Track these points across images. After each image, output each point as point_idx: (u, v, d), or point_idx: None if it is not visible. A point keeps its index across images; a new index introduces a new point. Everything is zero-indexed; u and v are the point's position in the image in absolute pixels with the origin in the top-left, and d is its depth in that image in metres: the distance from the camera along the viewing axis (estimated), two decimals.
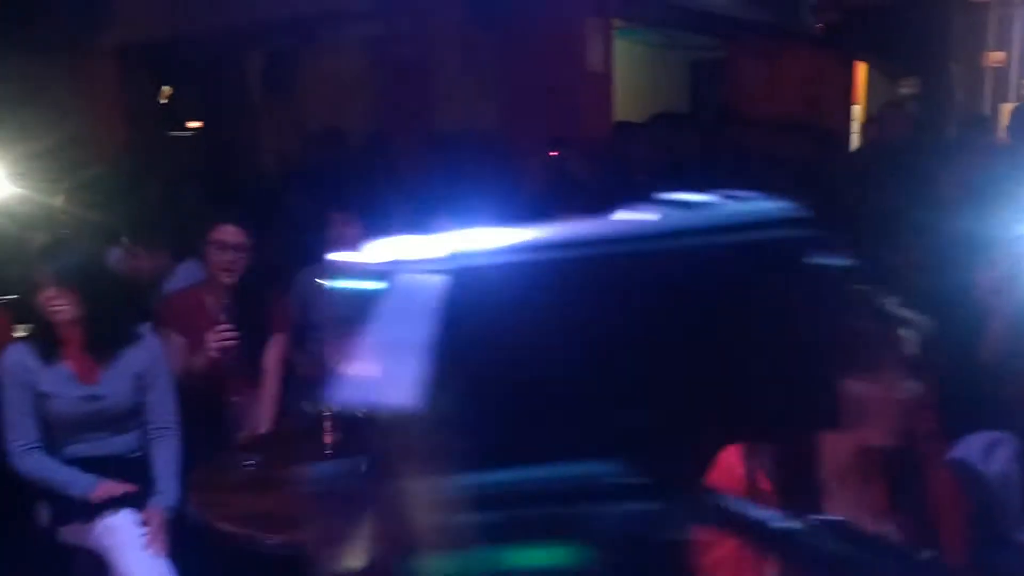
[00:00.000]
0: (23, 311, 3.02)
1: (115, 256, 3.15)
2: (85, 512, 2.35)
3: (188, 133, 5.91)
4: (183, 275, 3.19)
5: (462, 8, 5.14)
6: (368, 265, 0.51)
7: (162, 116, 5.85)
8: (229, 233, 2.86)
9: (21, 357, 2.40)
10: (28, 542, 2.55)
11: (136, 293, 2.92)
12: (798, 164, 4.64)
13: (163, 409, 2.55)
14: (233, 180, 5.05)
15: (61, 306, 2.35)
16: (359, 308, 0.49)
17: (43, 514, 2.47)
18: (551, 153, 4.70)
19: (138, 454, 2.56)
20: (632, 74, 6.87)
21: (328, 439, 2.06)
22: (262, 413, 2.81)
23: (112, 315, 2.44)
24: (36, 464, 2.41)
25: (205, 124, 5.97)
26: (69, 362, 2.44)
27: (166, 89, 5.84)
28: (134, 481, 2.43)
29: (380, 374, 0.48)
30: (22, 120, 4.67)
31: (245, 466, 2.25)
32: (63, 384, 2.43)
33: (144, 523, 2.33)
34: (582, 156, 4.65)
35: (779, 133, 5.56)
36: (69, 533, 2.41)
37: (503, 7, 5.00)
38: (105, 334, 2.43)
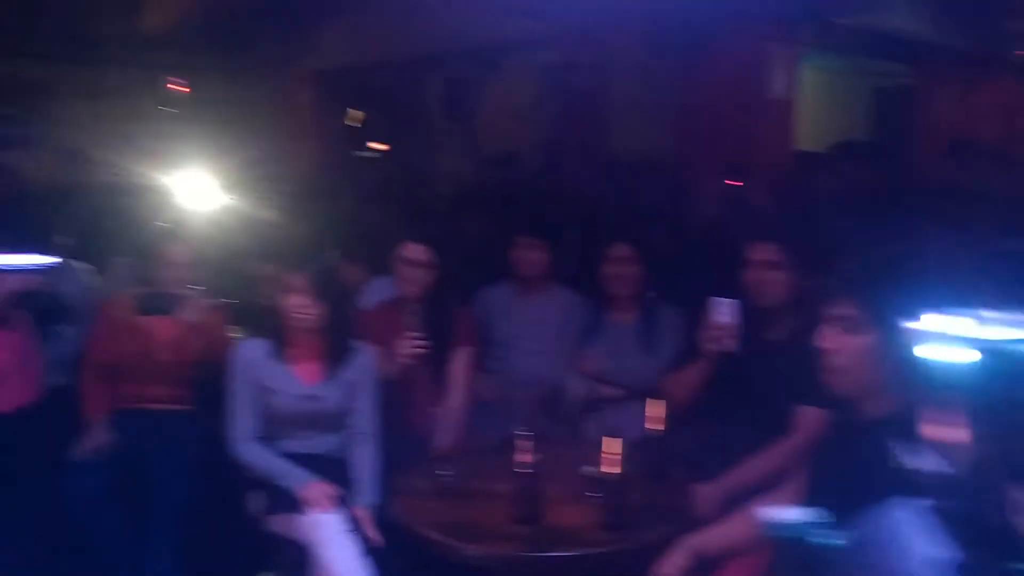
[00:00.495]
0: (238, 313, 3.32)
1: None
2: (294, 504, 2.52)
3: (373, 154, 6.29)
4: (377, 290, 3.37)
5: (640, 34, 5.16)
6: (964, 337, 0.52)
7: (350, 137, 6.26)
8: (416, 251, 3.00)
9: (252, 353, 2.63)
10: (237, 527, 2.76)
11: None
12: (1001, 200, 4.29)
13: (367, 416, 2.71)
14: (415, 200, 5.31)
15: (308, 313, 2.56)
16: (955, 377, 0.50)
17: (254, 502, 2.67)
18: (729, 183, 4.60)
19: (340, 455, 2.73)
20: (812, 101, 6.61)
21: (527, 460, 2.10)
22: (449, 425, 2.91)
23: (346, 326, 2.64)
24: (254, 453, 2.62)
25: (389, 146, 6.34)
26: (295, 363, 2.64)
27: (356, 112, 6.25)
28: (336, 480, 2.59)
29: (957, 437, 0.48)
30: (232, 137, 5.11)
31: (440, 476, 2.33)
32: (286, 382, 2.63)
33: (348, 522, 2.47)
34: (762, 186, 4.52)
35: (978, 165, 5.16)
36: (277, 522, 2.59)
37: (683, 33, 4.97)
38: (338, 344, 2.62)
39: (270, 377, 2.63)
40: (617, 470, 2.07)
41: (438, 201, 5.52)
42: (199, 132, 4.53)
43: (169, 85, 4.91)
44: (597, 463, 2.16)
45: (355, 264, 3.54)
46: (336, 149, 6.00)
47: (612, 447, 2.06)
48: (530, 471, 2.08)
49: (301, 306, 2.59)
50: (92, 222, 3.79)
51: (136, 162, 4.15)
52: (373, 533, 2.43)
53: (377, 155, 6.24)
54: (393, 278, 3.12)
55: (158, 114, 5.10)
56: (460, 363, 3.04)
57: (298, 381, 2.65)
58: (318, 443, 2.71)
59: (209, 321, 3.10)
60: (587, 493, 2.17)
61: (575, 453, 2.30)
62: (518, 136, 5.86)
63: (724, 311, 2.49)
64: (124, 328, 3.06)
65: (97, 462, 2.95)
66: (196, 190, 3.75)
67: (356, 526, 2.47)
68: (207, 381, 3.18)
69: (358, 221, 4.57)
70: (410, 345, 2.83)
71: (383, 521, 2.47)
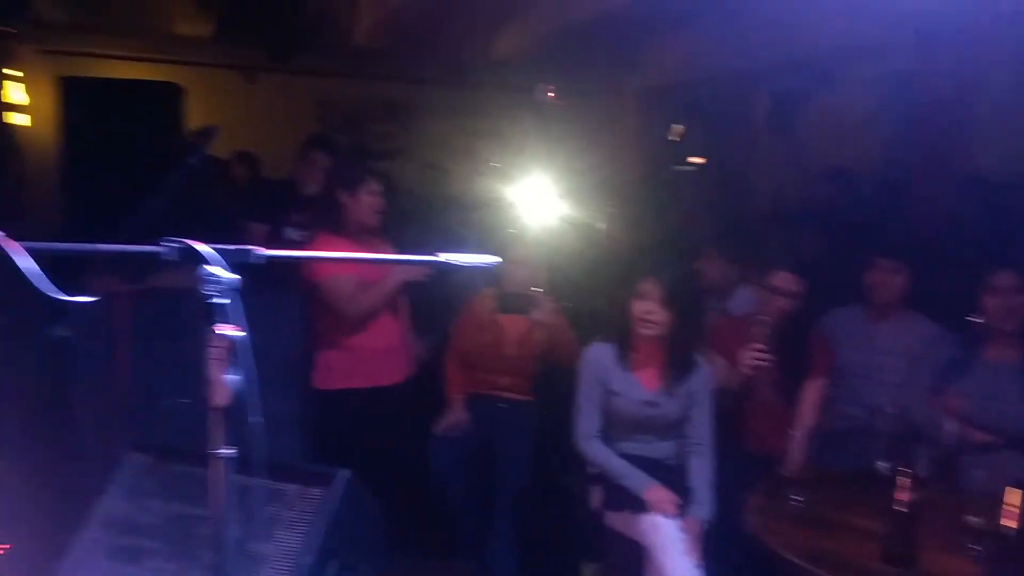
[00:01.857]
0: (577, 317, 3.52)
1: None
2: (634, 505, 2.61)
3: (691, 168, 6.31)
4: (741, 299, 3.36)
5: (1017, 40, 4.54)
6: None
7: (671, 152, 6.34)
8: (786, 280, 2.93)
9: (600, 356, 2.77)
10: (577, 519, 2.93)
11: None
12: None
13: (703, 426, 2.72)
14: (735, 216, 5.22)
15: (656, 321, 2.65)
16: None
17: (594, 497, 2.81)
18: None
19: (673, 462, 2.77)
20: None
21: (905, 497, 1.95)
22: (798, 449, 2.81)
23: (692, 337, 2.69)
24: (597, 451, 2.76)
25: (708, 160, 6.31)
26: (638, 368, 2.74)
27: (677, 127, 6.31)
28: (670, 486, 2.63)
29: None
30: (569, 151, 5.36)
31: (794, 501, 2.26)
32: (629, 387, 2.74)
33: (684, 530, 2.50)
34: None
35: None
36: (615, 519, 2.70)
37: None
38: (682, 354, 2.68)
39: (614, 380, 2.75)
40: (1014, 525, 1.85)
41: (760, 216, 5.36)
42: (542, 147, 4.87)
43: (539, 93, 5.33)
44: (982, 513, 1.95)
45: (729, 263, 3.53)
46: (656, 164, 6.10)
47: (1013, 499, 1.84)
48: (906, 510, 1.93)
49: (649, 312, 2.66)
50: (455, 228, 4.25)
51: (487, 175, 4.58)
52: (702, 544, 2.43)
53: (696, 168, 6.25)
54: (757, 291, 3.11)
55: (507, 131, 5.59)
56: (811, 394, 2.93)
57: (640, 386, 2.74)
58: (655, 448, 2.78)
59: (553, 321, 3.33)
60: (970, 545, 1.97)
61: (951, 498, 2.10)
62: (851, 150, 5.48)
63: None
64: (482, 323, 3.40)
65: (453, 438, 3.33)
66: (539, 200, 4.04)
67: (693, 535, 2.48)
68: (549, 376, 3.43)
69: (683, 237, 4.61)
70: (753, 357, 2.78)
71: (719, 534, 2.46)
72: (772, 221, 5.23)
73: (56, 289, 1.23)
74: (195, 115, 4.68)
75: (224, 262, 1.34)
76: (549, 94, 4.78)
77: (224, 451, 1.41)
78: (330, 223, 3.06)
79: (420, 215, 4.11)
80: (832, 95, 6.11)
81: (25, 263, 1.20)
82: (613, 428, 2.79)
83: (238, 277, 1.35)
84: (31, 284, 1.23)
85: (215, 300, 1.33)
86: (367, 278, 3.08)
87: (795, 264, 2.95)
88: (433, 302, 3.39)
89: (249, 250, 1.37)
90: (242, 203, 4.09)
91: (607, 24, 5.68)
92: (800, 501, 2.26)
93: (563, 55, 5.65)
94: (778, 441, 2.73)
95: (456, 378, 3.45)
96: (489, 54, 5.74)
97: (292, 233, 3.73)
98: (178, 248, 1.32)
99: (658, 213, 4.68)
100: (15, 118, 4.46)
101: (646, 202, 4.86)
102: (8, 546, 2.81)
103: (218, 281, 1.32)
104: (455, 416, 3.37)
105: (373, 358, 3.17)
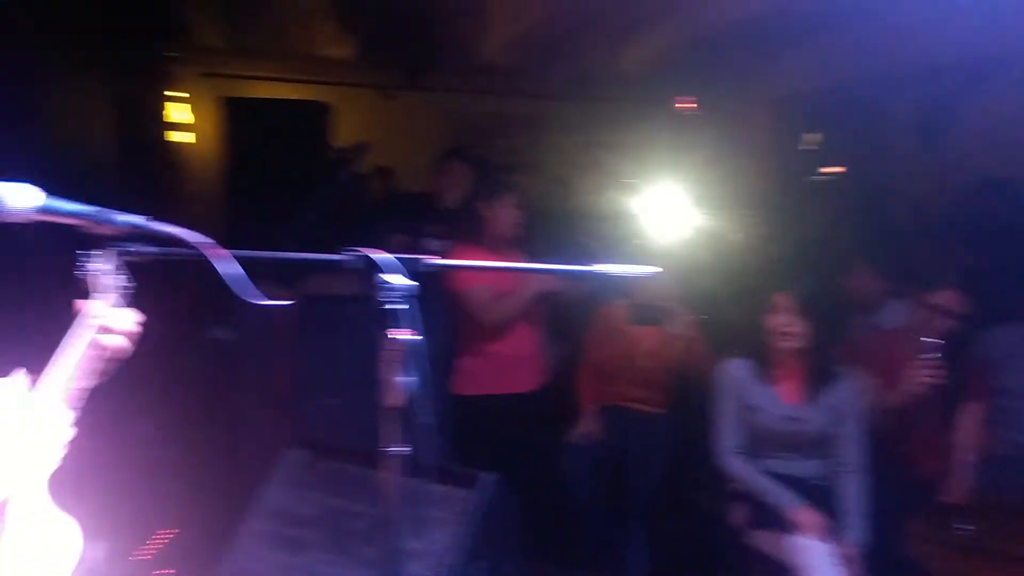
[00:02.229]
0: (712, 330, 3.46)
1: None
2: (779, 524, 2.54)
3: (828, 178, 6.08)
4: (891, 313, 3.22)
5: None
6: None
7: (806, 161, 6.12)
8: (947, 299, 2.79)
9: (738, 371, 2.72)
10: (718, 536, 2.87)
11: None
12: None
13: (853, 446, 2.62)
14: (880, 227, 4.98)
15: (793, 334, 2.58)
16: None
17: (737, 514, 2.75)
18: None
19: (821, 482, 2.67)
20: None
21: None
22: (962, 475, 2.65)
23: (832, 350, 2.60)
24: (739, 468, 2.70)
25: (846, 170, 6.06)
26: (778, 382, 2.67)
27: (812, 136, 6.09)
28: (817, 507, 2.54)
29: None
30: (700, 161, 5.28)
31: (959, 530, 2.13)
32: (769, 401, 2.67)
33: (836, 553, 2.40)
34: None
35: None
36: (759, 538, 2.63)
37: None
38: (822, 366, 2.60)
39: (754, 395, 2.69)
40: None
41: (907, 228, 5.09)
42: (673, 158, 4.84)
43: (678, 105, 5.34)
44: None
45: (876, 276, 3.40)
46: (788, 174, 5.91)
47: None
48: None
49: (785, 326, 2.59)
50: (584, 241, 4.27)
51: (616, 187, 4.58)
52: (855, 568, 2.32)
53: (835, 178, 6.00)
54: (908, 305, 2.97)
55: (635, 143, 5.58)
56: (970, 420, 2.76)
57: (781, 401, 2.67)
58: (800, 466, 2.69)
59: (687, 334, 3.29)
60: None
61: None
62: (1006, 159, 5.11)
63: None
64: (615, 334, 3.40)
65: (585, 447, 3.34)
66: (672, 212, 4.00)
67: (846, 560, 2.39)
68: (682, 389, 3.39)
69: (813, 249, 4.44)
70: (923, 375, 2.64)
71: (875, 560, 2.35)
72: (922, 233, 4.95)
73: (258, 293, 1.34)
74: (338, 132, 4.94)
75: (400, 269, 1.43)
76: (688, 106, 4.74)
77: (397, 450, 1.47)
78: (470, 234, 3.16)
79: (548, 228, 4.16)
80: (982, 100, 5.74)
81: (230, 268, 1.32)
82: (755, 444, 2.73)
83: (415, 284, 1.43)
84: (227, 289, 1.34)
85: (391, 306, 1.42)
86: (503, 288, 3.16)
87: (955, 280, 2.80)
88: (566, 312, 3.42)
89: (420, 259, 1.45)
90: (381, 214, 4.27)
91: (739, 33, 5.57)
92: (967, 530, 2.13)
93: (693, 65, 5.57)
94: (939, 465, 2.59)
95: (588, 388, 3.47)
96: (617, 66, 5.74)
97: (431, 244, 3.87)
98: (358, 256, 1.41)
99: (793, 224, 4.53)
100: (179, 136, 4.86)
101: (781, 213, 4.72)
102: (176, 531, 3.05)
103: (394, 288, 1.39)
104: (587, 426, 3.38)
105: (509, 365, 3.24)
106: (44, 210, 1.21)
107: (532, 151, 5.99)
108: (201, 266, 1.35)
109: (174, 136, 4.76)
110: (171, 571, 2.92)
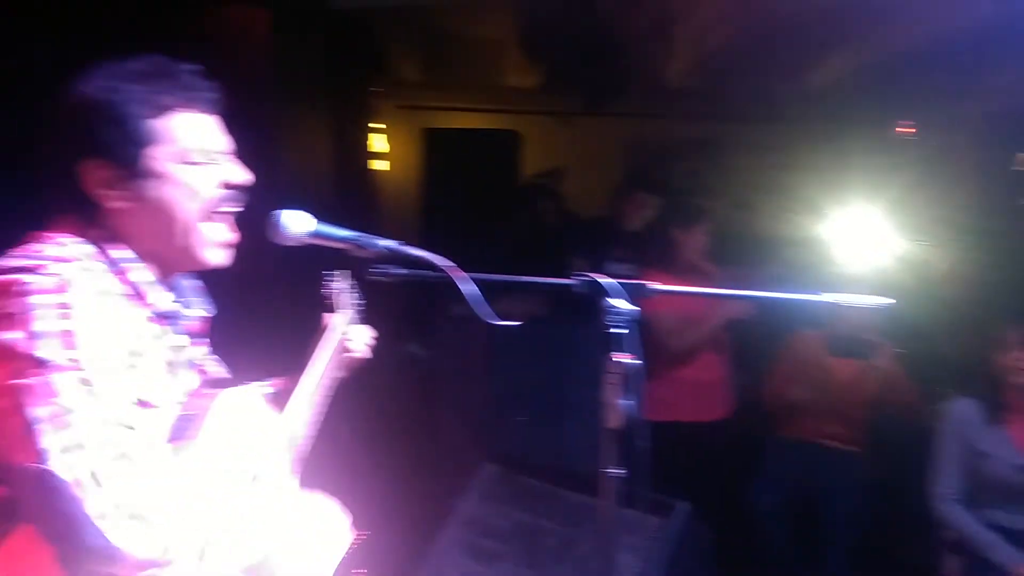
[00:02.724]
0: (915, 363, 3.23)
1: None
2: None
3: None
4: None
5: None
6: None
7: (1017, 183, 5.59)
8: None
9: (965, 412, 2.52)
10: None
11: None
12: None
13: None
14: None
15: None
16: None
17: (952, 566, 2.54)
18: None
19: None
20: None
21: None
22: None
23: None
24: (959, 517, 2.49)
25: None
26: (1012, 426, 2.45)
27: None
28: None
29: None
30: (901, 185, 4.93)
31: None
32: (1001, 447, 2.45)
33: None
34: None
35: None
36: None
37: None
38: None
39: (983, 440, 2.47)
40: None
41: None
42: (869, 180, 4.58)
43: (897, 130, 5.09)
44: None
45: None
46: (1003, 195, 5.40)
47: None
48: None
49: (1020, 361, 2.37)
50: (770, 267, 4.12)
51: (799, 211, 4.38)
52: None
53: None
54: None
55: (825, 164, 5.33)
56: None
57: (1014, 447, 2.44)
58: None
59: (888, 367, 3.09)
60: None
61: None
62: None
63: None
64: (808, 364, 3.25)
65: (775, 482, 3.21)
66: (868, 238, 3.78)
67: None
68: (882, 427, 3.18)
69: None
70: None
71: None
72: None
73: (492, 314, 1.42)
74: (523, 159, 5.11)
75: (625, 294, 1.46)
76: (906, 130, 4.48)
77: (614, 472, 1.50)
78: (661, 260, 3.16)
79: (733, 253, 4.05)
80: None
81: (469, 288, 1.41)
82: (980, 493, 2.50)
83: (638, 309, 1.45)
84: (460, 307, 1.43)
85: (615, 330, 1.45)
86: (691, 314, 3.12)
87: None
88: (755, 340, 3.32)
89: (644, 285, 1.48)
90: (563, 239, 4.35)
91: (943, 47, 5.20)
92: None
93: (891, 83, 5.25)
94: None
95: (778, 419, 3.33)
96: (805, 86, 5.52)
97: (615, 268, 3.90)
98: (586, 280, 1.45)
99: (1012, 251, 4.13)
100: (379, 164, 5.22)
101: (996, 239, 4.31)
102: (366, 534, 3.25)
103: (619, 312, 1.42)
104: (776, 459, 3.26)
105: (694, 392, 3.19)
106: (315, 234, 1.36)
107: (713, 175, 5.87)
108: (401, 286, 1.44)
109: (373, 164, 5.12)
110: (363, 571, 3.10)
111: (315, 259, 1.52)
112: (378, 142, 5.22)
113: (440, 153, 4.83)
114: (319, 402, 1.59)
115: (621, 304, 1.42)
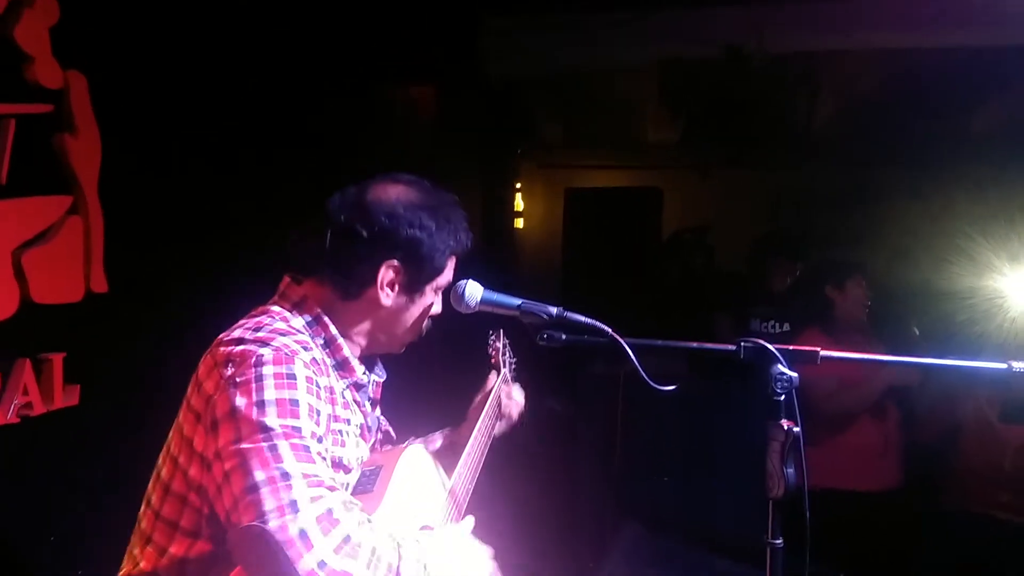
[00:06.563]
0: None
1: None
2: None
3: None
4: None
5: None
6: None
7: None
8: None
9: None
10: None
11: None
12: None
13: None
14: None
15: None
16: None
17: None
18: None
19: None
20: None
21: None
22: None
23: None
24: None
25: None
26: None
27: None
28: None
29: None
30: None
31: None
32: None
33: None
34: None
35: None
36: None
37: None
38: None
39: None
40: None
41: None
42: None
43: None
44: None
45: None
46: None
47: None
48: None
49: None
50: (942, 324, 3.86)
51: (968, 262, 4.10)
52: None
53: None
54: None
55: (984, 211, 4.98)
56: None
57: None
58: None
59: None
60: None
61: None
62: None
63: None
64: (982, 431, 3.03)
65: (947, 561, 2.97)
66: None
67: None
68: None
69: None
70: None
71: None
72: None
73: (650, 380, 1.45)
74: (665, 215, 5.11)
75: (789, 361, 1.45)
76: None
77: (776, 542, 1.47)
78: (817, 318, 3.06)
79: (894, 308, 3.84)
80: None
81: (632, 354, 1.45)
82: None
83: (796, 375, 1.44)
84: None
85: (779, 397, 1.44)
86: (849, 378, 2.98)
87: None
88: (921, 406, 3.12)
89: (816, 352, 1.46)
90: (709, 294, 4.30)
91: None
92: None
93: None
94: None
95: (946, 489, 3.10)
96: (961, 129, 5.21)
97: (759, 325, 3.80)
98: (751, 348, 1.45)
99: None
100: (521, 223, 5.40)
101: None
102: None
103: (787, 380, 1.41)
104: (943, 531, 3.02)
105: (853, 460, 3.02)
106: (485, 302, 1.46)
107: (863, 224, 5.60)
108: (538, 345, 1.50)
109: (518, 223, 5.28)
110: None
111: (468, 319, 1.63)
112: (522, 202, 5.40)
113: (580, 213, 4.95)
114: (478, 457, 1.67)
115: (786, 371, 1.42)
